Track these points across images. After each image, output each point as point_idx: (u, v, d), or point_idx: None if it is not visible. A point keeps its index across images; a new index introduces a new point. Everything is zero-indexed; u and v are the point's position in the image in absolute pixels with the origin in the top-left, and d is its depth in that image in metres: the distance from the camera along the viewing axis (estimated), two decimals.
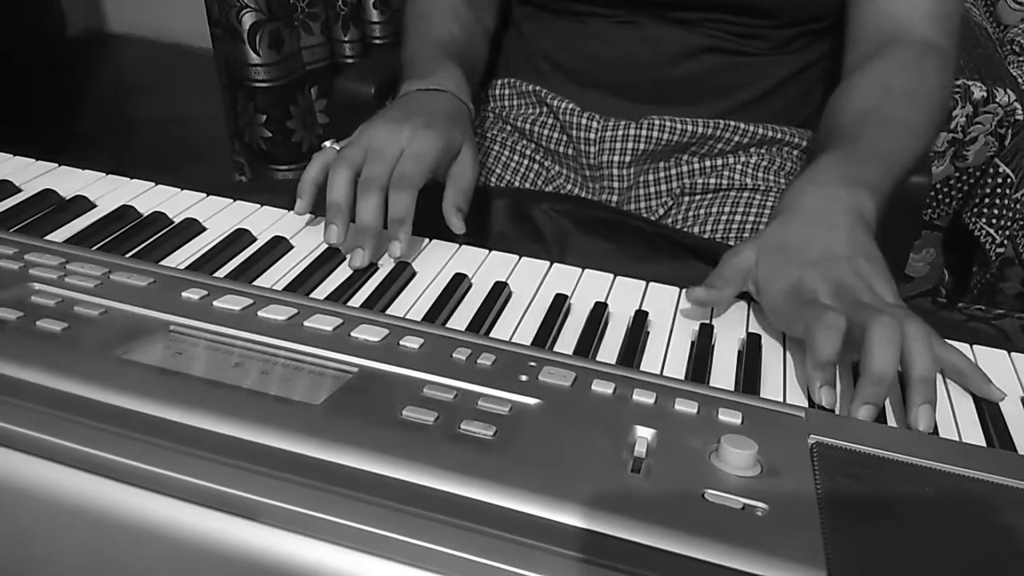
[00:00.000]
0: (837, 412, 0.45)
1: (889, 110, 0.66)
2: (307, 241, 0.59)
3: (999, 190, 1.22)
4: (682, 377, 0.47)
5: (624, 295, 0.55)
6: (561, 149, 0.84)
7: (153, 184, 0.64)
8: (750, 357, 0.49)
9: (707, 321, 0.53)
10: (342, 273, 0.55)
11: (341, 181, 0.58)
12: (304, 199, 0.60)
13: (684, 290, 0.54)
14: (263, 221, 0.60)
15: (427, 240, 0.60)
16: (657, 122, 0.80)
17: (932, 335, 0.48)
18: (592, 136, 0.82)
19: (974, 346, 0.52)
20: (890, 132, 0.64)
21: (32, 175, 0.64)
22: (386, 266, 0.56)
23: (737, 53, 0.79)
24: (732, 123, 0.81)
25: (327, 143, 0.62)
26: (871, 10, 0.73)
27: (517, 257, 0.58)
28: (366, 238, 0.56)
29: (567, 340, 0.50)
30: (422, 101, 0.67)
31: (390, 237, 0.56)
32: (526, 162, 0.86)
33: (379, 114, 0.66)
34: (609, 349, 0.49)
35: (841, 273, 0.50)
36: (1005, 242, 1.25)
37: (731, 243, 0.76)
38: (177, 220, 0.59)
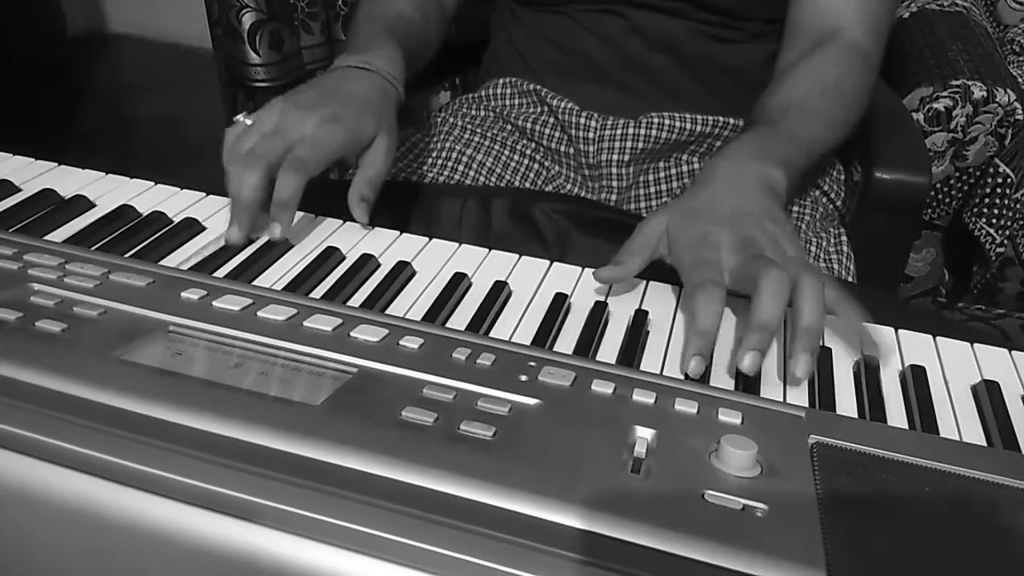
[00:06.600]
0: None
1: (814, 103, 0.69)
2: (307, 241, 0.58)
3: (999, 190, 1.22)
4: (682, 377, 0.47)
5: (624, 295, 0.55)
6: (562, 148, 0.84)
7: (153, 184, 0.63)
8: None
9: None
10: (342, 273, 0.55)
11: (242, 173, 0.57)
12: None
13: (592, 271, 0.55)
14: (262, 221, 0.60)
15: (427, 239, 0.59)
16: (656, 120, 0.80)
17: (836, 289, 0.50)
18: (591, 135, 0.82)
19: (974, 345, 0.52)
20: (809, 121, 0.68)
21: (32, 175, 0.64)
22: (386, 266, 0.56)
23: (719, 39, 0.80)
24: (731, 121, 0.81)
25: (239, 116, 0.61)
26: (807, 12, 0.76)
27: (517, 256, 0.58)
28: (242, 214, 0.56)
29: (567, 340, 0.49)
30: (342, 81, 0.66)
31: (272, 219, 0.56)
32: (526, 161, 0.86)
33: (296, 90, 0.64)
34: (609, 349, 0.49)
35: (747, 227, 0.52)
36: (1005, 242, 1.24)
37: None
38: (177, 220, 0.59)
